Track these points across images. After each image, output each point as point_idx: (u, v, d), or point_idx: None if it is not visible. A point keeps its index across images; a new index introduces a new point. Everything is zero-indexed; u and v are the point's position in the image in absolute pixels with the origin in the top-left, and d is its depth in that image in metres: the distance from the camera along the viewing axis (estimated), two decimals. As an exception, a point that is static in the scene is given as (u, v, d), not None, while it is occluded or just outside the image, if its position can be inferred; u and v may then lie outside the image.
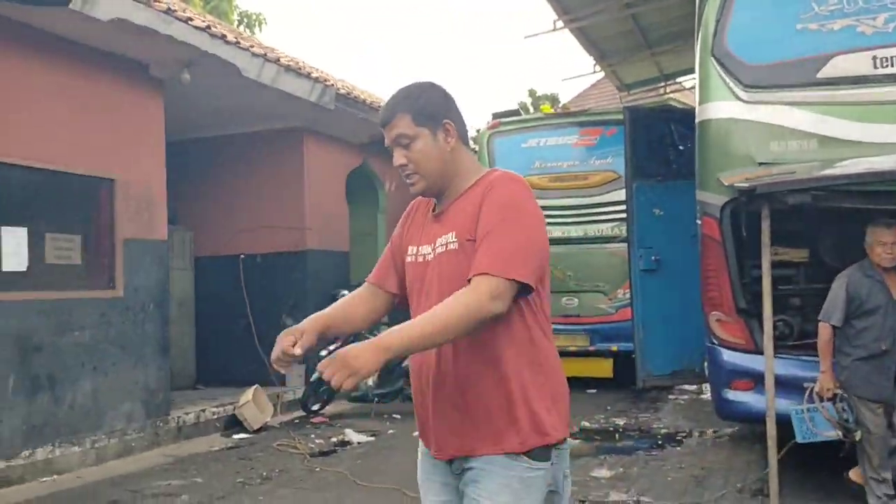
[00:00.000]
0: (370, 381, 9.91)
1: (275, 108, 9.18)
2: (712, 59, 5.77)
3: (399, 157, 2.18)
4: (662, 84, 16.81)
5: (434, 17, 67.65)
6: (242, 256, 10.03)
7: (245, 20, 26.09)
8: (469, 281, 2.00)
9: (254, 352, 9.78)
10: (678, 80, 16.78)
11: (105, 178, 7.03)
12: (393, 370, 9.01)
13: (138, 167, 7.35)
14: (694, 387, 10.11)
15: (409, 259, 2.28)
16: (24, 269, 6.27)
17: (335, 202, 10.58)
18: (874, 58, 5.35)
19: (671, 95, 18.88)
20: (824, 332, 4.79)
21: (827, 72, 5.46)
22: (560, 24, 12.33)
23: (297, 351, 2.13)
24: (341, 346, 8.93)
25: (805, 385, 4.92)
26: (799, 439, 4.85)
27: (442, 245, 2.17)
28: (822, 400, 4.76)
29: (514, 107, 27.34)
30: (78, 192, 6.88)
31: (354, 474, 6.20)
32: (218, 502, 5.68)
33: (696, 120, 5.98)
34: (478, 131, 29.06)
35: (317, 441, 7.69)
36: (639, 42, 13.66)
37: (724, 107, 5.71)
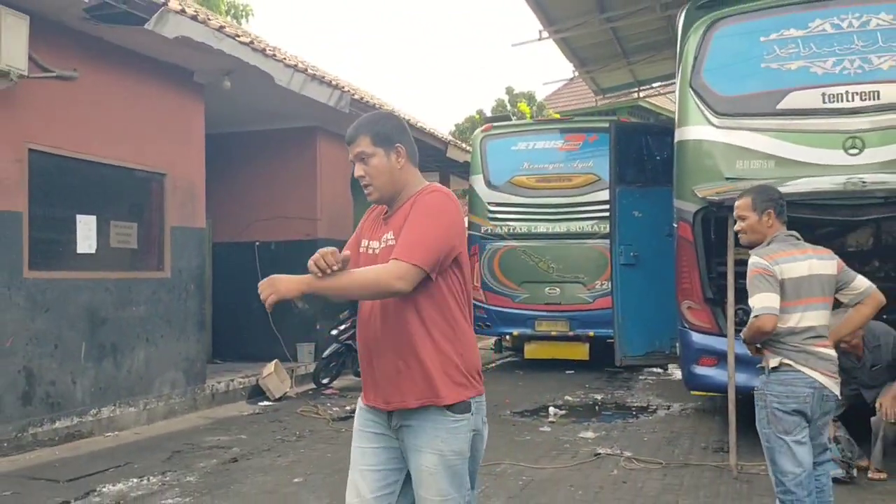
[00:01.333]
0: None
1: (295, 110, 10.12)
2: (690, 89, 6.86)
3: (359, 170, 2.66)
4: (636, 89, 17.95)
5: (422, 17, 68.40)
6: (257, 244, 10.98)
7: (233, 10, 26.70)
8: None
9: (266, 331, 10.76)
10: (650, 86, 17.96)
11: (157, 173, 7.98)
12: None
13: (183, 163, 8.30)
14: (659, 369, 11.30)
15: (361, 250, 2.74)
16: (94, 252, 7.21)
17: (342, 195, 11.55)
18: (823, 94, 6.47)
19: (643, 99, 20.21)
20: None
21: (785, 104, 6.58)
22: (545, 34, 13.39)
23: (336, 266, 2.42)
24: (350, 325, 9.97)
25: None
26: None
27: (385, 241, 2.64)
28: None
29: (493, 103, 28.30)
30: (135, 185, 7.82)
31: (377, 434, 7.23)
32: (266, 453, 6.69)
33: (675, 140, 7.07)
34: (456, 126, 29.89)
35: (333, 409, 8.71)
36: (616, 51, 14.76)
37: (698, 130, 6.81)
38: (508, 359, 13.46)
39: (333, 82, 9.56)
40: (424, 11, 68.35)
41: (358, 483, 2.68)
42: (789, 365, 3.72)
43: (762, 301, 3.74)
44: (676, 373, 11.01)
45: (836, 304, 3.98)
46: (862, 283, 3.93)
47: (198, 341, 8.47)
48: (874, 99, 6.33)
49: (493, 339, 14.23)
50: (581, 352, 11.55)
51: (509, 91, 27.96)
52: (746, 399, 6.05)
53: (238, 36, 7.80)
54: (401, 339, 2.57)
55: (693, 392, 7.79)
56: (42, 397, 6.63)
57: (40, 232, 6.67)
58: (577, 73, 16.71)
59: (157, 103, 7.96)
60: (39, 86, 6.59)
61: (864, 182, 5.90)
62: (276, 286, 2.37)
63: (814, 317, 3.75)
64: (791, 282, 3.76)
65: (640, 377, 11.03)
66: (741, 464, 5.80)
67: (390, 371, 2.59)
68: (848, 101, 6.39)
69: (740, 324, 6.60)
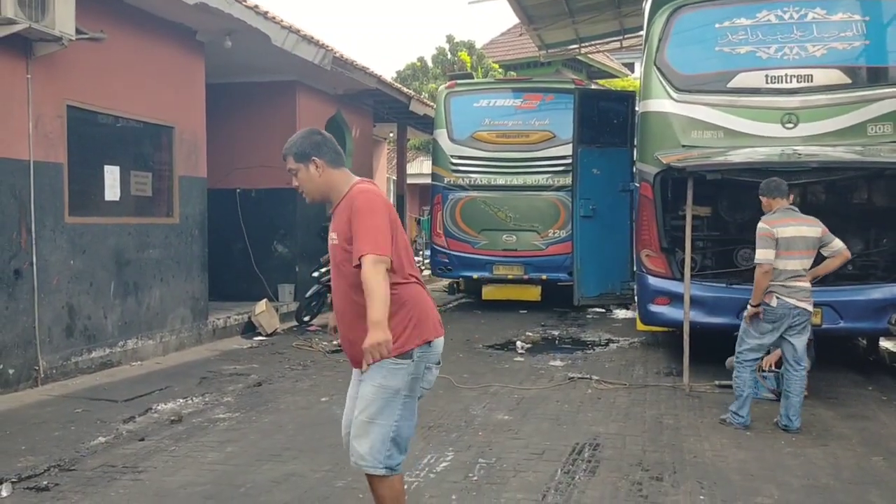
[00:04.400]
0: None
1: (278, 65, 10.77)
2: (654, 67, 7.92)
3: (293, 181, 3.37)
4: (577, 46, 19.01)
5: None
6: (239, 191, 11.67)
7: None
8: (359, 262, 3.10)
9: (249, 272, 11.56)
10: (591, 43, 19.05)
11: (167, 126, 8.63)
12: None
13: (188, 116, 8.95)
14: (603, 310, 12.57)
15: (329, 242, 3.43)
16: (118, 199, 7.90)
17: (317, 146, 12.27)
18: (766, 76, 7.63)
19: (582, 54, 21.34)
20: None
21: (734, 83, 7.72)
22: (501, -7, 14.20)
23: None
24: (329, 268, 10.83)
25: None
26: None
27: (333, 238, 3.31)
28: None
29: (434, 51, 28.92)
30: (149, 137, 8.48)
31: (375, 363, 8.22)
32: (282, 379, 7.61)
33: (639, 111, 8.15)
34: (398, 73, 30.32)
35: (323, 343, 9.63)
36: (562, 11, 15.73)
37: (660, 103, 7.89)
38: (462, 300, 14.55)
39: (320, 42, 10.25)
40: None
41: (347, 405, 3.51)
42: (773, 295, 5.70)
43: (762, 254, 5.72)
44: (619, 313, 12.37)
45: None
46: (837, 244, 5.81)
47: (201, 281, 9.25)
48: (808, 81, 7.53)
49: (446, 282, 15.32)
50: (534, 294, 12.74)
51: (450, 40, 28.55)
52: (692, 332, 7.36)
53: (244, 0, 8.44)
54: (354, 314, 3.23)
55: (640, 328, 9.05)
56: (81, 330, 7.37)
57: (76, 181, 7.33)
58: (524, 31, 17.67)
59: (166, 61, 8.57)
60: (73, 47, 7.14)
61: (798, 154, 7.11)
62: (380, 349, 3.03)
63: (795, 263, 5.71)
64: (783, 240, 5.69)
65: (588, 316, 12.28)
66: (691, 384, 7.05)
67: (351, 338, 3.30)
68: (787, 82, 7.57)
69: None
